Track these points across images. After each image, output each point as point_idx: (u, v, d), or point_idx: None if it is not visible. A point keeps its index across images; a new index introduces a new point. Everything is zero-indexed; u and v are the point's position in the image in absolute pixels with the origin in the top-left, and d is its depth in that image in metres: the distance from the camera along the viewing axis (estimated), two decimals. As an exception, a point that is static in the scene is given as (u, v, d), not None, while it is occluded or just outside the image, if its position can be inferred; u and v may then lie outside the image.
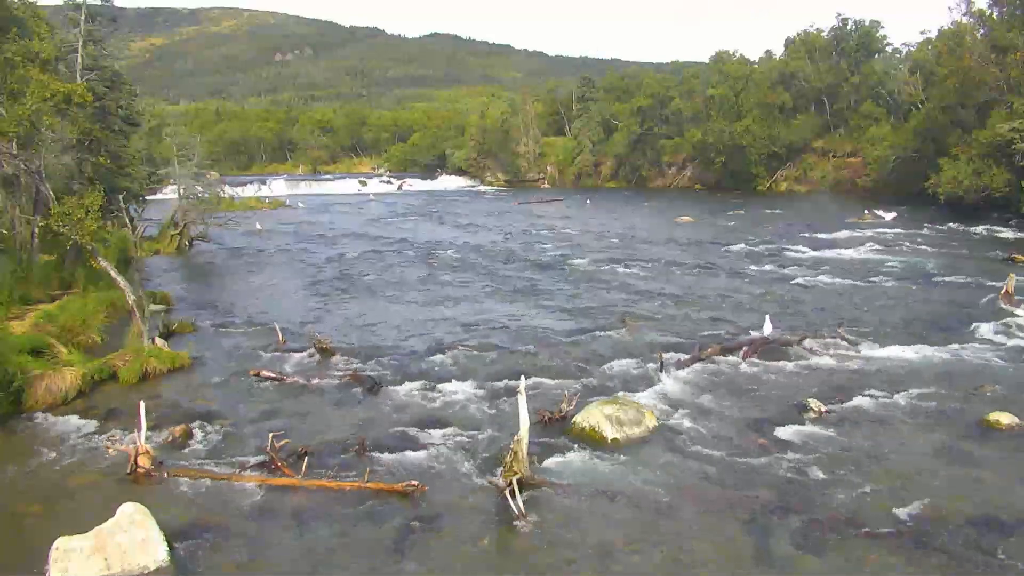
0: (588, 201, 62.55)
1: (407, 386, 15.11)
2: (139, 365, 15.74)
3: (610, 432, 12.37)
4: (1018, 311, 20.57)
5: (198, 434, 12.83)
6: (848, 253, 32.25)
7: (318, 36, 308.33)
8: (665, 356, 16.06)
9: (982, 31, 51.39)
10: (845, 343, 17.66)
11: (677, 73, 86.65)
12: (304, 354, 17.48)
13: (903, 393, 14.29)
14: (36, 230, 21.93)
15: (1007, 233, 37.96)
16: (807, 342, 17.49)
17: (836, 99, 72.48)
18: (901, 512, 9.85)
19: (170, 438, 12.51)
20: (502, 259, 32.41)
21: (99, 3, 29.66)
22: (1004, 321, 19.59)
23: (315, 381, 15.64)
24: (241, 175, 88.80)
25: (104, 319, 19.58)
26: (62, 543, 8.71)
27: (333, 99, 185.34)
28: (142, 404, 11.92)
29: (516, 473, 10.22)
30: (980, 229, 39.38)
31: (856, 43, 73.44)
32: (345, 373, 15.97)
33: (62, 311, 18.89)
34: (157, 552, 8.87)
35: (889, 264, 29.40)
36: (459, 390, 14.81)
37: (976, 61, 48.58)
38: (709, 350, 16.73)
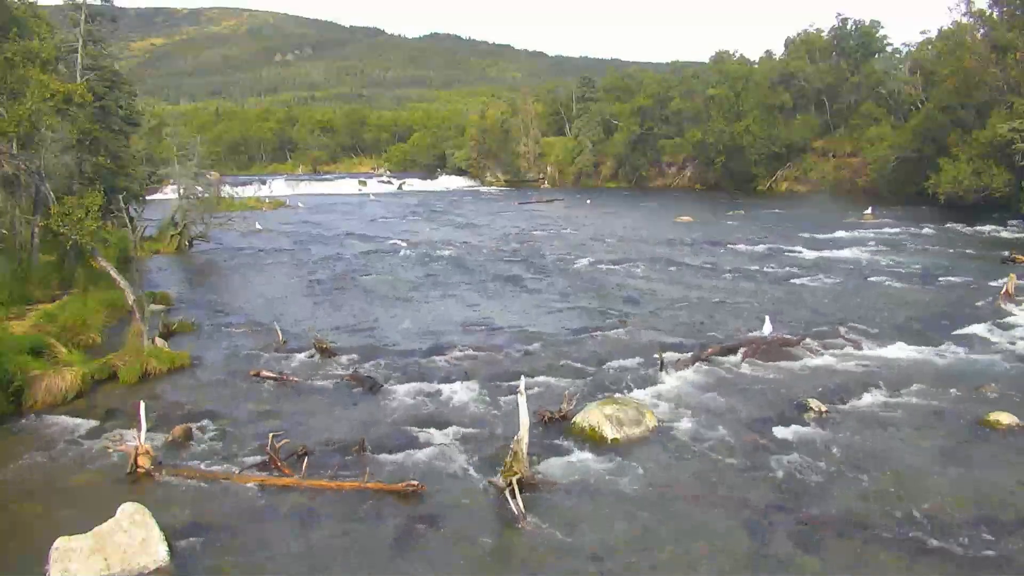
0: (588, 201, 62.53)
1: (407, 386, 15.10)
2: (139, 365, 15.73)
3: (610, 432, 12.37)
4: (1018, 311, 20.58)
5: (198, 434, 12.82)
6: (848, 253, 32.22)
7: (318, 36, 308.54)
8: (665, 356, 16.06)
9: (982, 31, 51.36)
10: (845, 343, 17.66)
11: (677, 73, 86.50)
12: (304, 354, 17.47)
13: (903, 393, 14.30)
14: (36, 230, 21.93)
15: (1007, 233, 37.96)
16: (807, 342, 17.49)
17: (836, 99, 72.49)
18: (901, 512, 9.85)
19: (170, 438, 12.50)
20: (502, 259, 32.40)
21: (99, 3, 29.71)
22: (1004, 321, 19.59)
23: (315, 381, 15.65)
24: (241, 175, 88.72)
25: (104, 319, 19.58)
26: (62, 543, 8.71)
27: (333, 99, 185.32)
28: (142, 404, 11.91)
29: (516, 473, 10.24)
30: (980, 229, 39.38)
31: (856, 43, 73.51)
32: (345, 373, 15.97)
33: (62, 311, 18.88)
34: (157, 552, 8.87)
35: (889, 264, 29.39)
36: (459, 390, 14.80)
37: (976, 61, 48.59)
38: (709, 350, 16.74)
